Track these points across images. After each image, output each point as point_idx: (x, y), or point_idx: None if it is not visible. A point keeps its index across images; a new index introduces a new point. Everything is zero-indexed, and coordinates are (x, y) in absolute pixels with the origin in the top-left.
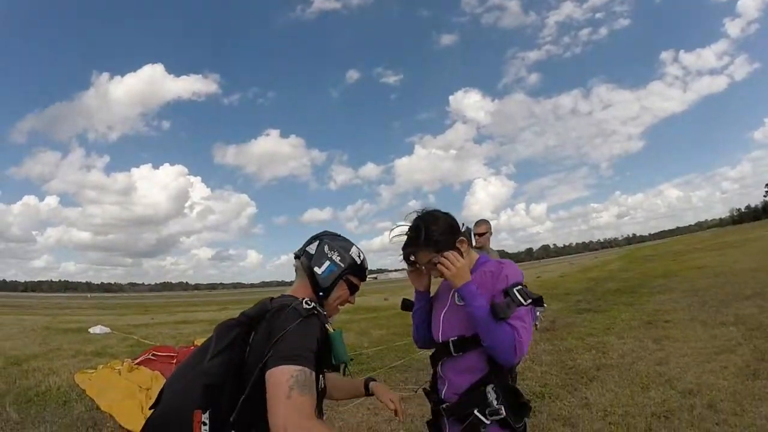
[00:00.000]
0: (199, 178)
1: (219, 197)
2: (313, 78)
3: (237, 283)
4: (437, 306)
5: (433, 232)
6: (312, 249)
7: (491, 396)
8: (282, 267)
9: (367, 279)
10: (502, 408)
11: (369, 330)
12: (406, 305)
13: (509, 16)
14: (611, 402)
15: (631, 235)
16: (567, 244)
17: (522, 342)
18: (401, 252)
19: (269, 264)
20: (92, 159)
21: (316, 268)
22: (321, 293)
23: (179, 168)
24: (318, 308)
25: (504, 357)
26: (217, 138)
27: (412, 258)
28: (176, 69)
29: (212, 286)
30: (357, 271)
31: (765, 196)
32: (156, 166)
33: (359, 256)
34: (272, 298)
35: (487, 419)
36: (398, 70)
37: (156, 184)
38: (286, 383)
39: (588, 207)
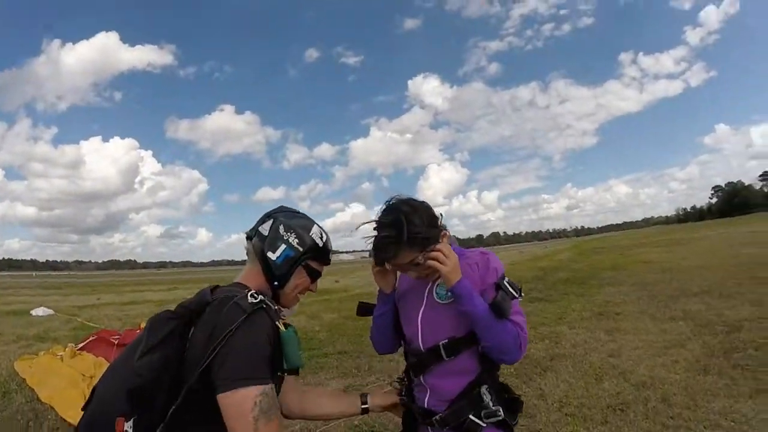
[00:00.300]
0: (150, 153)
1: (170, 173)
2: (271, 55)
3: (186, 261)
4: (407, 307)
5: (417, 228)
6: (265, 229)
7: (487, 398)
8: (233, 246)
9: (315, 289)
10: (500, 409)
11: (320, 313)
12: (364, 310)
13: (474, 4)
14: (566, 393)
15: (579, 227)
16: (517, 232)
17: (525, 337)
18: (375, 252)
19: (220, 243)
20: (40, 130)
21: (269, 253)
22: (276, 282)
23: (130, 141)
24: (267, 302)
25: (509, 356)
26: (170, 112)
27: (393, 260)
28: (131, 38)
29: (161, 265)
30: (319, 254)
31: (710, 198)
32: (106, 139)
33: (321, 237)
34: (215, 287)
35: (484, 422)
36: (359, 51)
37: (105, 157)
38: (249, 413)
39: (539, 197)
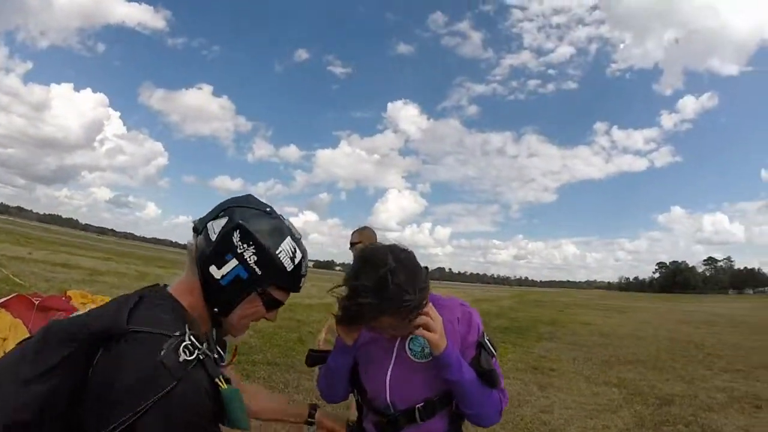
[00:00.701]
0: (118, 114)
1: (133, 139)
2: (263, 46)
3: (129, 233)
4: (372, 362)
5: (407, 296)
6: (215, 229)
7: None
8: (179, 227)
9: (272, 318)
10: None
11: None
12: (315, 359)
13: (469, 45)
14: None
15: (523, 278)
16: (462, 271)
17: (506, 402)
18: (348, 318)
19: (166, 221)
20: (14, 61)
21: (212, 269)
22: (216, 309)
23: (101, 97)
24: (202, 353)
25: (487, 423)
26: (148, 77)
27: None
28: None
29: (102, 231)
30: (285, 281)
31: (654, 273)
32: (78, 89)
33: (293, 257)
34: (140, 299)
35: None
36: (348, 63)
37: (73, 107)
38: None
39: (490, 242)
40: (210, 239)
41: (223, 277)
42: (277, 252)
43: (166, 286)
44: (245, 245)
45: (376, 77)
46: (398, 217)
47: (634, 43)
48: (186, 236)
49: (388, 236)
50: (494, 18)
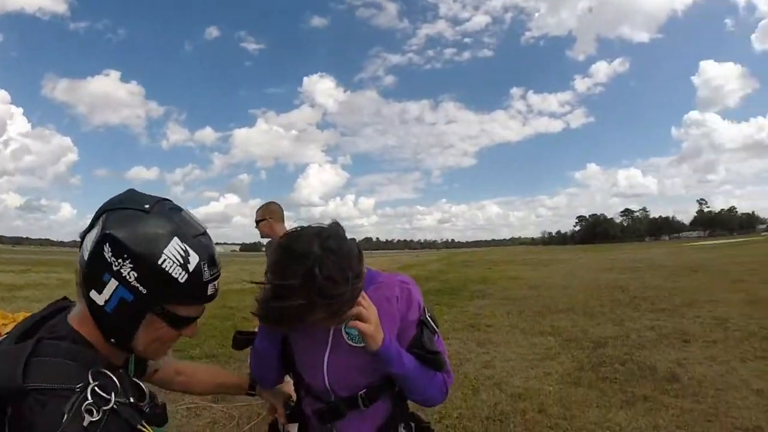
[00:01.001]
0: (21, 110)
1: (39, 136)
2: (171, 26)
3: (45, 239)
4: (306, 347)
5: (339, 290)
6: (88, 245)
7: None
8: None
9: (191, 334)
10: None
11: None
12: (242, 342)
13: (384, 16)
14: (444, 405)
15: (449, 240)
16: (389, 239)
17: (451, 382)
18: (273, 319)
19: (83, 221)
20: None
21: (93, 294)
22: (112, 339)
23: (1, 94)
24: (114, 404)
25: (434, 404)
26: (51, 67)
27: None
28: None
29: (17, 241)
30: (182, 294)
31: (574, 226)
32: None
33: (184, 265)
34: (35, 345)
35: None
36: (261, 39)
37: None
38: None
39: (414, 209)
40: (84, 259)
41: (106, 302)
42: (159, 262)
43: (71, 306)
44: (120, 260)
45: (291, 52)
46: (321, 192)
47: (549, 13)
48: None
49: (313, 211)
50: None
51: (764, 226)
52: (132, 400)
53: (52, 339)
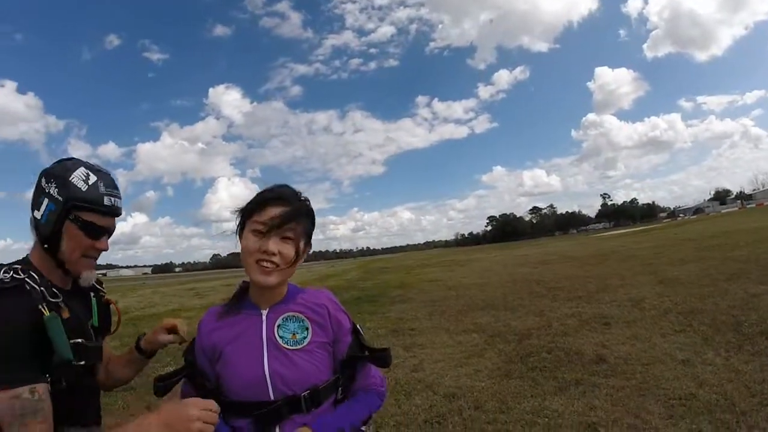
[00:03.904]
0: None
1: None
2: (69, 32)
3: None
4: (240, 358)
5: (308, 202)
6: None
7: None
8: None
9: (103, 247)
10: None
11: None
12: (165, 388)
13: (288, 26)
14: (380, 413)
15: (365, 248)
16: None
17: (384, 382)
18: (280, 221)
19: None
20: None
21: (35, 213)
22: (45, 245)
23: None
24: (22, 277)
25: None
26: None
27: (289, 234)
28: None
29: None
30: (86, 201)
31: (486, 227)
32: None
33: (85, 179)
34: None
35: None
36: (164, 48)
37: None
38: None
39: (327, 219)
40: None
41: (41, 216)
42: (71, 178)
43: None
44: (49, 184)
45: (195, 62)
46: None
47: (452, 24)
48: (8, 259)
49: (224, 226)
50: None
51: (664, 214)
52: (55, 300)
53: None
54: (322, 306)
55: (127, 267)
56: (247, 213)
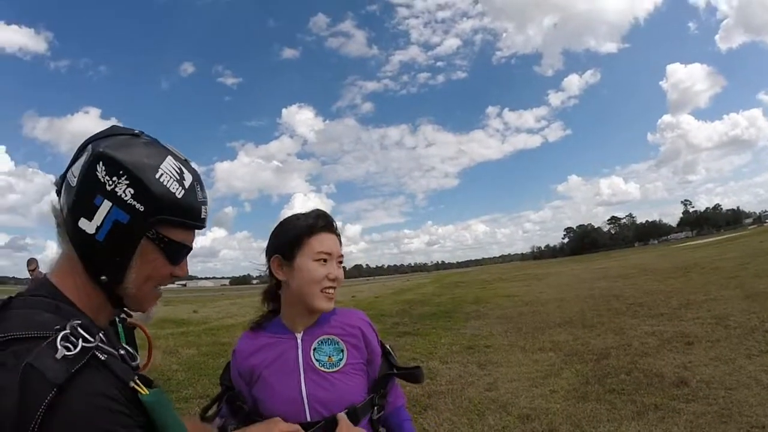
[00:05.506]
0: (3, 148)
1: (22, 175)
2: (148, 62)
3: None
4: (276, 385)
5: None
6: (75, 173)
7: None
8: None
9: (184, 274)
10: None
11: (177, 348)
12: (209, 419)
13: (353, 44)
14: (451, 431)
15: (440, 262)
16: (379, 265)
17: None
18: (330, 244)
19: None
20: None
21: (83, 223)
22: (103, 276)
23: None
24: (94, 343)
25: None
26: (31, 106)
27: (341, 259)
28: (7, 15)
29: (2, 280)
30: (179, 210)
31: (563, 239)
32: None
33: (181, 180)
34: (7, 301)
35: None
36: (237, 73)
37: None
38: None
39: (401, 233)
40: (71, 186)
41: (98, 229)
42: (157, 176)
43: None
44: (115, 178)
45: (268, 84)
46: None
47: (516, 31)
48: None
49: None
50: (380, 17)
51: (750, 220)
52: (122, 352)
53: (27, 296)
54: (356, 327)
55: (207, 278)
56: (297, 241)
